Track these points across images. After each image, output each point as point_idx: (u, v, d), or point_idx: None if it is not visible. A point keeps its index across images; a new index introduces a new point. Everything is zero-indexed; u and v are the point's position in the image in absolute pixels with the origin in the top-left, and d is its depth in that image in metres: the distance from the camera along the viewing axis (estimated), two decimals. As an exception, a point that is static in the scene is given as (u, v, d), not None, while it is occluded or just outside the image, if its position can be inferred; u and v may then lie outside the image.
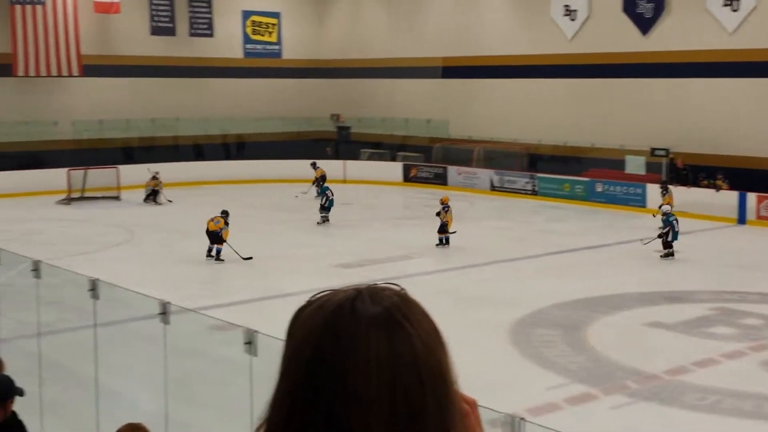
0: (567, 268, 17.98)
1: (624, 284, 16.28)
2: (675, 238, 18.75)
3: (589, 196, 27.20)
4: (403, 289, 1.18)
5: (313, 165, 28.72)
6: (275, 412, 1.13)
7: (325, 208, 23.01)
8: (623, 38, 28.47)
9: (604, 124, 28.69)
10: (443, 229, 19.96)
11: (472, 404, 1.19)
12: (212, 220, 18.39)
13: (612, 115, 28.78)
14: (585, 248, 20.02)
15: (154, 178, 26.89)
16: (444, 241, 19.94)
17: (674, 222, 18.87)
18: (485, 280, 16.97)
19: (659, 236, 18.99)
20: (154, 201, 26.65)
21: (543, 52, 30.64)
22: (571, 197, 27.53)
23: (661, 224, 19.15)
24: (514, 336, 12.94)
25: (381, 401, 1.08)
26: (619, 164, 27.71)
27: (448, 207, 20.24)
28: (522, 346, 12.46)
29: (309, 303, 1.17)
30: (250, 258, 18.08)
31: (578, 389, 10.68)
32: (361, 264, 17.91)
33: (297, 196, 26.71)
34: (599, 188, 27.11)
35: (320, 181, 26.87)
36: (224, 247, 18.30)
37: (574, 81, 29.97)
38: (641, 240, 19.52)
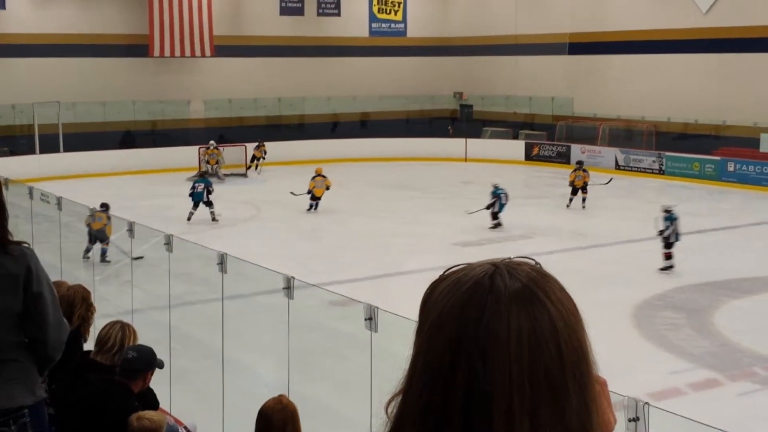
0: (694, 250, 17.43)
1: (754, 267, 15.68)
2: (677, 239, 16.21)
3: (719, 176, 26.25)
4: (538, 263, 1.17)
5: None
6: (411, 388, 1.11)
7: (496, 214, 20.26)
8: (759, 11, 27.20)
9: (737, 101, 27.54)
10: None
11: (603, 384, 1.17)
12: (92, 216, 14.71)
13: (746, 91, 27.59)
14: (714, 229, 19.36)
15: (208, 148, 27.50)
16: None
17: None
18: (608, 260, 16.65)
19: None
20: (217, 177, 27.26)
21: (674, 27, 29.61)
22: (701, 177, 26.63)
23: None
24: (637, 318, 12.69)
25: (522, 380, 1.05)
26: (753, 143, 26.61)
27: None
28: (645, 328, 12.22)
29: (443, 277, 1.14)
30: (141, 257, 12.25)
31: (703, 374, 10.41)
32: (480, 243, 17.88)
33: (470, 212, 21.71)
34: (731, 167, 26.12)
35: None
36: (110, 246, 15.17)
37: (705, 56, 28.88)
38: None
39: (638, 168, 28.48)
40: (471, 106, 36.33)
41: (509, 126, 34.06)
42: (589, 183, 22.40)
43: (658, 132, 29.60)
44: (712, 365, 10.71)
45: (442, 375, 1.08)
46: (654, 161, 28.21)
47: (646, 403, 4.93)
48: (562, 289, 1.14)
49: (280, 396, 4.45)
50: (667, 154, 27.95)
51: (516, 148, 31.96)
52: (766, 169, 25.29)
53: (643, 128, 29.97)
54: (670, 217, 16.24)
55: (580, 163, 23.42)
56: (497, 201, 19.27)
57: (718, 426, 6.20)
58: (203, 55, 32.25)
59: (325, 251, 17.43)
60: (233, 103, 32.87)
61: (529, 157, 31.60)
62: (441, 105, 37.09)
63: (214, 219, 19.99)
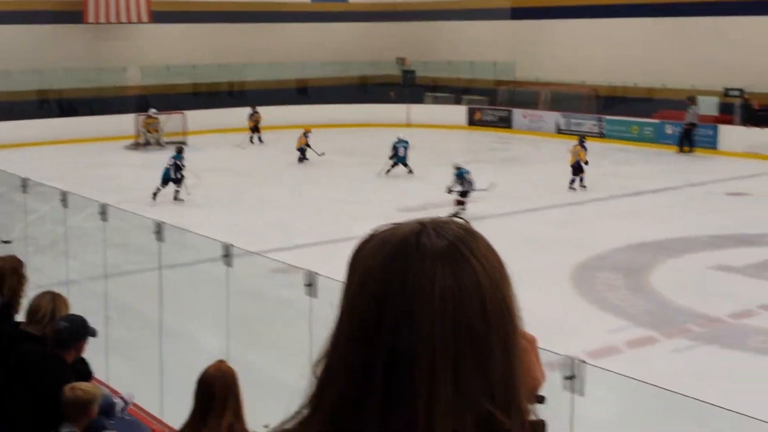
0: (633, 211, 17.73)
1: (691, 227, 15.99)
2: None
3: (658, 139, 26.66)
4: (467, 222, 1.16)
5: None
6: (336, 348, 1.11)
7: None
8: (696, -25, 27.54)
9: (675, 65, 27.93)
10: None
11: (532, 341, 1.18)
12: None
13: (683, 55, 27.98)
14: (652, 191, 19.68)
15: (149, 116, 27.10)
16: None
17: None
18: (550, 223, 16.84)
19: None
20: (157, 143, 26.88)
21: (613, -9, 29.86)
22: (640, 139, 27.01)
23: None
24: (576, 279, 12.86)
25: (445, 337, 1.06)
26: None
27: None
28: (584, 289, 12.39)
29: (371, 236, 1.14)
30: None
31: (639, 332, 10.60)
32: (425, 207, 17.91)
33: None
34: (669, 130, 26.52)
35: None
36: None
37: (643, 20, 29.20)
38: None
39: (579, 131, 28.72)
40: (413, 72, 36.25)
41: (451, 91, 34.09)
42: (584, 162, 20.17)
43: (598, 96, 29.91)
44: (649, 323, 10.91)
45: (366, 333, 1.08)
46: (594, 125, 28.52)
47: (582, 360, 4.99)
48: (488, 247, 1.14)
49: (220, 362, 4.41)
50: (607, 117, 28.28)
51: (458, 113, 32.03)
52: (703, 132, 25.73)
53: (584, 92, 30.25)
54: (459, 173, 17.54)
55: (581, 138, 21.37)
56: (464, 182, 19.13)
57: (653, 381, 6.33)
58: (140, 21, 31.60)
59: (270, 219, 17.31)
60: (171, 70, 32.31)
61: (471, 122, 31.70)
62: (383, 71, 36.94)
63: (176, 198, 19.01)
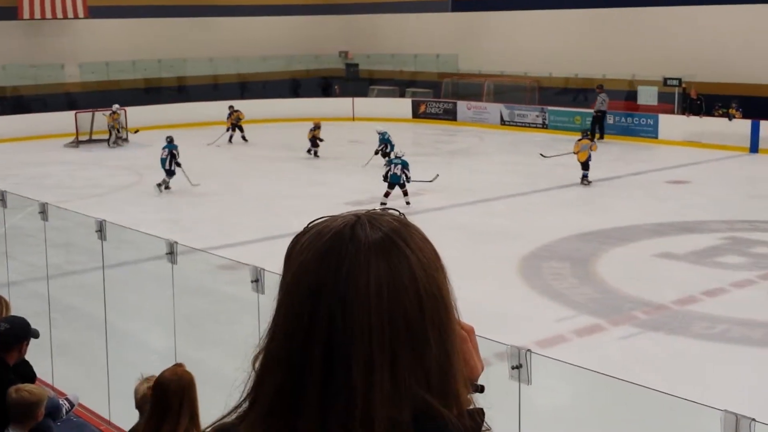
0: (577, 201, 17.94)
1: (634, 216, 16.22)
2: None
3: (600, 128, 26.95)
4: (402, 213, 1.17)
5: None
6: (273, 341, 1.11)
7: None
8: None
9: (616, 55, 28.30)
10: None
11: (470, 331, 1.19)
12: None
13: (623, 45, 28.37)
14: (596, 181, 19.92)
15: (114, 113, 26.48)
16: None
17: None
18: (495, 214, 16.95)
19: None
20: (120, 140, 26.45)
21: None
22: (582, 129, 27.22)
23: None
24: (523, 269, 12.96)
25: (381, 329, 1.07)
26: (631, 95, 27.43)
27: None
28: (531, 279, 12.49)
29: (307, 230, 1.15)
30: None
31: (586, 321, 10.72)
32: (371, 201, 17.88)
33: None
34: (610, 120, 26.87)
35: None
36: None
37: (585, 11, 29.53)
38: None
39: (522, 123, 29.01)
40: (357, 65, 36.19)
41: (395, 84, 34.11)
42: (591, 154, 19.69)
43: (540, 87, 30.17)
44: (595, 311, 11.04)
45: (302, 326, 1.08)
46: (537, 116, 28.77)
47: (528, 350, 5.02)
48: (423, 239, 1.14)
49: (177, 366, 4.33)
50: (550, 108, 28.54)
51: (403, 106, 32.06)
52: (643, 121, 26.13)
53: (526, 84, 30.50)
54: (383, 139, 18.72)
55: (585, 132, 21.12)
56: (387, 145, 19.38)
57: (601, 369, 6.40)
58: (76, 17, 31.00)
59: (215, 215, 17.14)
60: (110, 66, 31.78)
61: (416, 114, 31.75)
62: (326, 65, 36.81)
63: (160, 186, 18.89)
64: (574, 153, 19.75)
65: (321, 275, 1.09)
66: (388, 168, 17.90)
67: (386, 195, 17.55)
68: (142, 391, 4.52)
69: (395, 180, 17.60)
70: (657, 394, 5.67)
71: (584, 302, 11.42)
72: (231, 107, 27.05)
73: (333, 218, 1.15)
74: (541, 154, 19.64)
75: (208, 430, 1.17)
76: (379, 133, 21.91)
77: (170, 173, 19.18)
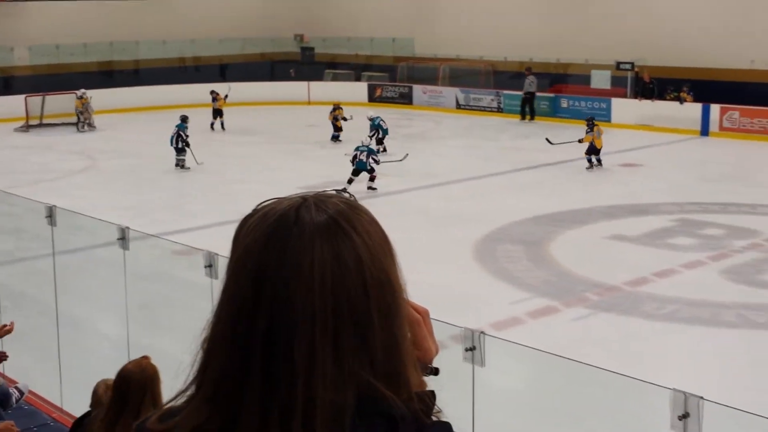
0: (532, 184, 18.08)
1: (588, 199, 16.40)
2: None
3: (554, 112, 27.19)
4: (352, 195, 1.16)
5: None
6: (218, 324, 1.11)
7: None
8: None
9: (569, 40, 28.48)
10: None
11: (424, 314, 1.19)
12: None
13: (577, 29, 28.56)
14: (550, 164, 20.09)
15: (81, 97, 26.05)
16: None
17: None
18: (451, 198, 17.01)
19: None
20: (87, 125, 26.08)
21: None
22: (536, 113, 27.47)
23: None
24: (478, 253, 13.04)
25: (324, 312, 1.06)
26: (585, 79, 27.65)
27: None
28: (486, 262, 12.58)
29: (254, 212, 1.14)
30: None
31: (540, 303, 10.83)
32: (327, 185, 17.84)
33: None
34: (564, 104, 27.09)
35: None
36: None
37: (538, -5, 29.65)
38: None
39: (478, 107, 29.11)
40: (312, 49, 35.99)
41: (351, 68, 33.99)
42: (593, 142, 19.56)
43: (495, 71, 30.27)
44: (549, 293, 11.15)
45: (246, 308, 1.08)
46: (492, 100, 28.89)
47: (482, 332, 5.06)
48: (371, 221, 1.14)
49: (142, 358, 4.29)
50: (505, 92, 28.66)
51: (359, 90, 31.97)
52: (597, 105, 26.37)
53: (482, 68, 30.58)
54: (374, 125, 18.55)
55: (590, 119, 20.20)
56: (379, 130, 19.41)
57: (555, 350, 6.47)
58: (25, -1, 30.42)
59: (169, 200, 16.99)
60: (61, 49, 31.23)
61: (372, 98, 31.69)
62: (281, 48, 36.56)
63: (180, 166, 19.73)
64: (589, 141, 19.38)
65: (264, 258, 1.08)
66: (354, 155, 17.83)
67: (349, 182, 17.49)
68: (101, 392, 4.48)
69: (361, 167, 17.57)
70: (608, 374, 5.75)
71: (538, 284, 11.53)
72: (213, 91, 26.33)
73: (280, 201, 1.14)
74: (548, 140, 19.61)
75: (153, 416, 1.16)
76: (369, 119, 21.65)
77: (178, 151, 19.65)
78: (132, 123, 26.97)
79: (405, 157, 18.46)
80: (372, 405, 1.08)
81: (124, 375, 4.06)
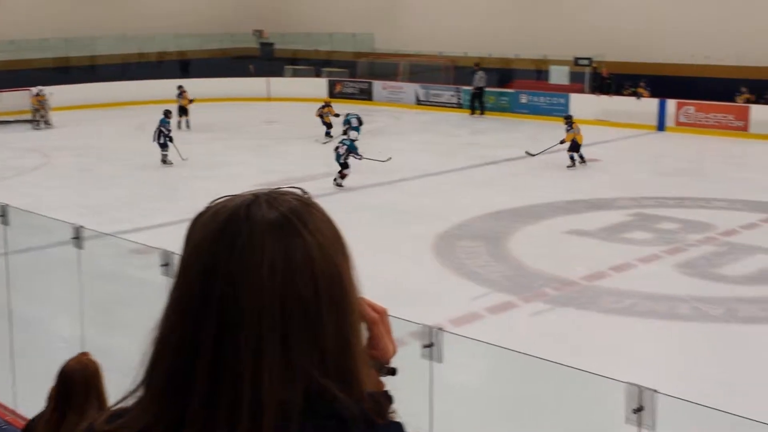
0: (491, 180, 18.16)
1: (546, 194, 16.50)
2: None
3: (513, 108, 27.34)
4: (306, 193, 1.15)
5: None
6: (167, 322, 1.10)
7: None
8: (545, -53, 28.28)
9: (528, 35, 28.67)
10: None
11: (382, 313, 1.19)
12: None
13: (536, 25, 28.75)
14: (509, 160, 20.20)
15: (38, 94, 25.61)
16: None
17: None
18: (411, 194, 17.03)
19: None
20: (44, 123, 25.69)
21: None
22: (496, 109, 27.62)
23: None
24: (438, 249, 13.07)
25: (273, 311, 1.05)
26: (544, 75, 27.85)
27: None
28: (446, 258, 12.61)
29: (206, 209, 1.14)
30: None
31: (500, 298, 10.88)
32: (286, 182, 17.73)
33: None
34: (523, 99, 27.25)
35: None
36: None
37: (496, -9, 29.78)
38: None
39: (438, 102, 29.18)
40: (272, 45, 35.82)
41: (311, 64, 33.89)
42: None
43: (455, 67, 30.36)
44: (508, 289, 11.21)
45: (194, 307, 1.07)
46: (452, 95, 28.97)
47: (439, 328, 5.07)
48: (324, 219, 1.13)
49: (81, 354, 4.23)
50: (465, 88, 28.74)
51: (319, 85, 31.88)
52: (554, 100, 26.56)
53: (441, 63, 30.65)
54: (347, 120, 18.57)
55: (569, 117, 20.08)
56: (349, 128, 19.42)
57: (513, 345, 6.50)
58: (-22, -7, 29.89)
59: (126, 199, 16.80)
60: (17, 45, 30.72)
61: (332, 94, 31.58)
62: (241, 44, 36.32)
63: (163, 161, 19.73)
64: (569, 141, 19.26)
65: (214, 255, 1.07)
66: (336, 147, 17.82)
67: (341, 175, 17.53)
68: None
69: (336, 158, 17.59)
70: (564, 368, 5.79)
71: (497, 280, 11.59)
72: (180, 87, 25.58)
73: (232, 198, 1.13)
74: (528, 152, 19.43)
75: (101, 418, 1.15)
76: (345, 116, 21.25)
77: (161, 146, 19.60)
78: (89, 120, 26.64)
79: (388, 159, 18.42)
80: (321, 404, 1.07)
81: (66, 373, 4.00)
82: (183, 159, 19.69)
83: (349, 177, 17.73)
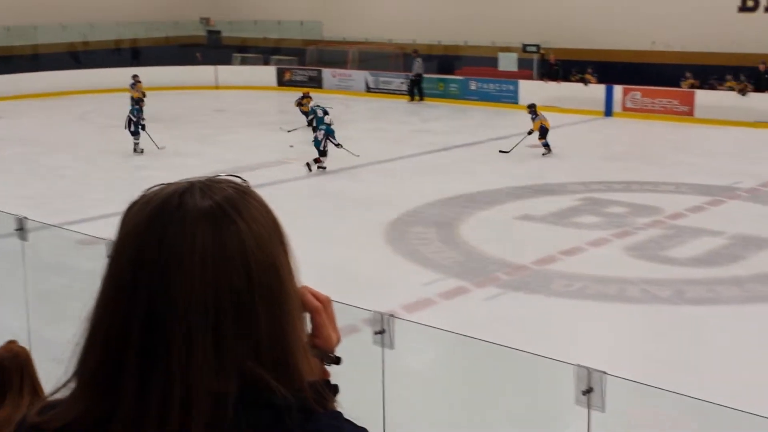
0: (441, 166, 18.19)
1: (496, 180, 16.59)
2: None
3: (463, 95, 27.43)
4: (245, 181, 1.12)
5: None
6: (97, 311, 1.09)
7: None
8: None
9: (477, 22, 28.76)
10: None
11: (325, 302, 1.17)
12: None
13: (484, 12, 28.85)
14: (459, 146, 20.26)
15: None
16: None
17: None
18: (362, 181, 17.01)
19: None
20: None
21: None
22: (445, 96, 27.69)
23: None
24: (390, 235, 13.05)
25: (205, 303, 1.04)
26: (492, 62, 27.96)
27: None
28: (398, 245, 12.60)
29: (140, 197, 1.12)
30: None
31: (452, 284, 10.90)
32: (236, 171, 17.51)
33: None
34: (473, 86, 27.34)
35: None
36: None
37: (445, -22, 29.81)
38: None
39: (387, 90, 29.14)
40: (219, 32, 35.46)
41: (259, 52, 33.61)
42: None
43: (405, 54, 30.35)
44: (461, 274, 11.24)
45: (124, 297, 1.06)
46: (402, 83, 28.95)
47: (390, 315, 5.06)
48: (260, 208, 1.11)
49: (10, 343, 4.15)
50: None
51: (267, 73, 31.66)
52: (504, 87, 26.69)
53: (391, 51, 30.61)
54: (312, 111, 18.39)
55: (532, 106, 19.68)
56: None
57: (466, 331, 6.52)
58: None
59: (70, 190, 16.50)
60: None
61: (281, 82, 31.42)
62: (187, 32, 35.88)
63: (134, 150, 19.57)
64: (538, 129, 19.00)
65: (143, 243, 1.06)
66: (315, 133, 17.83)
67: (316, 161, 17.48)
68: None
69: (316, 144, 17.56)
70: (516, 352, 5.83)
71: (450, 265, 11.62)
72: (135, 76, 24.26)
73: (167, 186, 1.11)
74: (501, 151, 19.17)
75: (34, 409, 1.13)
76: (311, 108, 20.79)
77: (132, 134, 19.37)
78: (31, 110, 26.13)
79: (358, 156, 18.26)
80: (256, 395, 1.05)
81: None
82: (159, 148, 19.47)
83: (300, 166, 17.63)
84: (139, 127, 19.48)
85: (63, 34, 32.23)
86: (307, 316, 1.16)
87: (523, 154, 19.14)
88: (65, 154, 19.47)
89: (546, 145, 19.05)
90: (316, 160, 17.55)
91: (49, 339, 7.08)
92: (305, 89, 24.15)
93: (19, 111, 25.77)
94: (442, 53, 29.76)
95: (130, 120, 19.54)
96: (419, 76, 27.83)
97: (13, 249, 7.49)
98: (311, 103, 20.74)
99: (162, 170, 17.49)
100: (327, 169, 17.45)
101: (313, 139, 17.75)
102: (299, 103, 22.99)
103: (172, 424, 1.03)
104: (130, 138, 19.58)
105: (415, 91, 27.91)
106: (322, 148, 17.51)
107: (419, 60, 27.82)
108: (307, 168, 17.39)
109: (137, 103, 19.93)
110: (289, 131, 20.83)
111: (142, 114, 19.77)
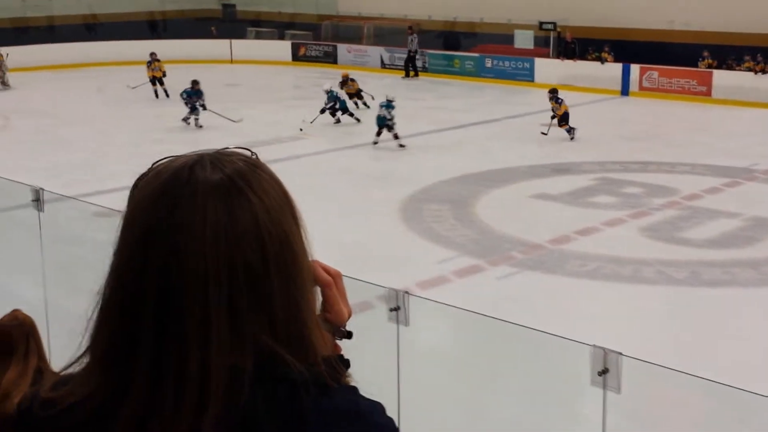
0: (456, 144, 18.13)
1: (512, 158, 16.53)
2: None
3: (478, 72, 27.26)
4: (254, 153, 1.11)
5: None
6: (108, 286, 1.08)
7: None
8: None
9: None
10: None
11: (336, 276, 1.16)
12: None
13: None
14: (474, 124, 20.17)
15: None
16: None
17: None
18: (376, 158, 16.98)
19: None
20: (2, 83, 25.17)
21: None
22: (461, 73, 27.53)
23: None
24: (404, 212, 13.05)
25: (219, 277, 1.02)
26: (508, 39, 27.77)
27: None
28: (413, 222, 12.59)
29: (150, 170, 1.11)
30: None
31: (466, 262, 10.90)
32: (252, 146, 17.53)
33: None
34: (488, 64, 27.17)
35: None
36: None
37: (463, -46, 29.56)
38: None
39: (403, 66, 28.98)
40: (234, 6, 35.33)
41: (274, 26, 33.49)
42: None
43: (420, 30, 30.18)
44: (475, 252, 11.23)
45: (135, 272, 1.04)
46: (417, 59, 28.79)
47: (406, 292, 5.05)
48: (271, 181, 1.10)
49: (15, 311, 4.17)
50: (429, 51, 28.60)
51: (282, 48, 31.55)
52: (519, 64, 26.52)
53: (406, 27, 30.42)
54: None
55: (554, 91, 19.09)
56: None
57: (480, 309, 6.51)
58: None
59: (87, 161, 16.54)
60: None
61: (296, 57, 31.31)
62: (201, 5, 35.77)
63: (185, 120, 19.70)
64: (559, 114, 18.57)
65: (154, 218, 1.04)
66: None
67: (378, 134, 17.61)
68: None
69: (380, 122, 17.61)
70: (530, 331, 5.82)
71: (464, 243, 11.60)
72: (152, 54, 24.23)
73: (176, 158, 1.10)
74: (543, 132, 18.74)
75: (47, 384, 1.13)
76: (326, 92, 20.57)
77: (191, 110, 19.56)
78: (47, 81, 26.15)
79: (359, 120, 18.52)
80: (272, 369, 1.05)
81: (2, 332, 3.96)
82: (236, 121, 19.42)
83: (315, 141, 17.61)
84: (201, 107, 19.45)
85: (78, 6, 32.17)
86: (318, 290, 1.15)
87: (537, 132, 19.04)
88: (81, 126, 19.50)
89: (569, 130, 18.55)
90: (395, 136, 17.53)
91: (67, 310, 7.11)
92: (345, 74, 23.57)
93: (34, 83, 25.80)
94: (458, 30, 29.54)
95: (186, 101, 19.58)
96: (414, 52, 27.93)
97: (29, 220, 7.50)
98: (325, 86, 20.58)
99: (179, 144, 17.50)
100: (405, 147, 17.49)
101: (377, 116, 17.74)
102: (347, 90, 22.43)
103: (188, 399, 1.02)
104: (173, 111, 19.66)
105: (410, 66, 27.93)
106: (388, 124, 17.48)
107: (414, 36, 27.91)
108: (398, 145, 17.40)
109: (193, 85, 19.66)
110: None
111: (195, 97, 19.59)
